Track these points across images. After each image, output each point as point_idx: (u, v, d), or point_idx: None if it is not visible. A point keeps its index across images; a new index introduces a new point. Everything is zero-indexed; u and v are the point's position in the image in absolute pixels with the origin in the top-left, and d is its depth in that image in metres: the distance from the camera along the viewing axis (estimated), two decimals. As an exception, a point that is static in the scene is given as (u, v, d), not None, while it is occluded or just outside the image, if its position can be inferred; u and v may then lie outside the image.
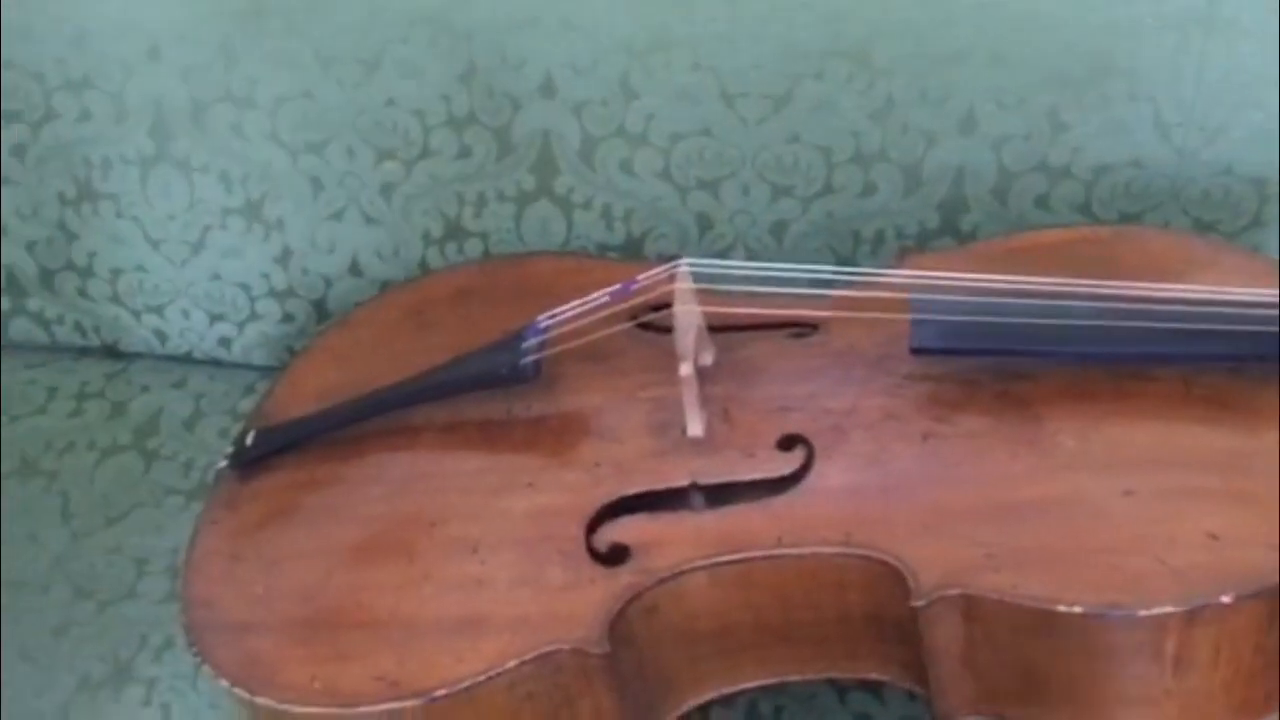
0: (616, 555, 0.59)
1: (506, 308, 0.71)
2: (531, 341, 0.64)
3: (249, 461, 0.68)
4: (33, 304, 0.89)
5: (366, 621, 0.59)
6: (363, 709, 0.56)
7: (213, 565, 0.64)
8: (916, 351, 0.60)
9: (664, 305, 0.67)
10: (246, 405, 0.85)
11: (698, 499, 0.60)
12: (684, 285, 0.63)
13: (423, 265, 0.83)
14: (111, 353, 0.90)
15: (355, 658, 0.58)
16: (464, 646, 0.57)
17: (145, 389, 0.87)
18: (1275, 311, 0.57)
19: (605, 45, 0.76)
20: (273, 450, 0.68)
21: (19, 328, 0.90)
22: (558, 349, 0.65)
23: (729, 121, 0.77)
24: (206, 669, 0.60)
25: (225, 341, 0.88)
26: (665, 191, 0.79)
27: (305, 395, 0.72)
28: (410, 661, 0.57)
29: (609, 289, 0.64)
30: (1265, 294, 0.58)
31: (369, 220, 0.83)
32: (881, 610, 0.57)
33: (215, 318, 0.87)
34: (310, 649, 0.59)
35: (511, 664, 0.56)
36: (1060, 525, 0.54)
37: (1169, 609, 0.50)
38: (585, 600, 0.57)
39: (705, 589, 0.58)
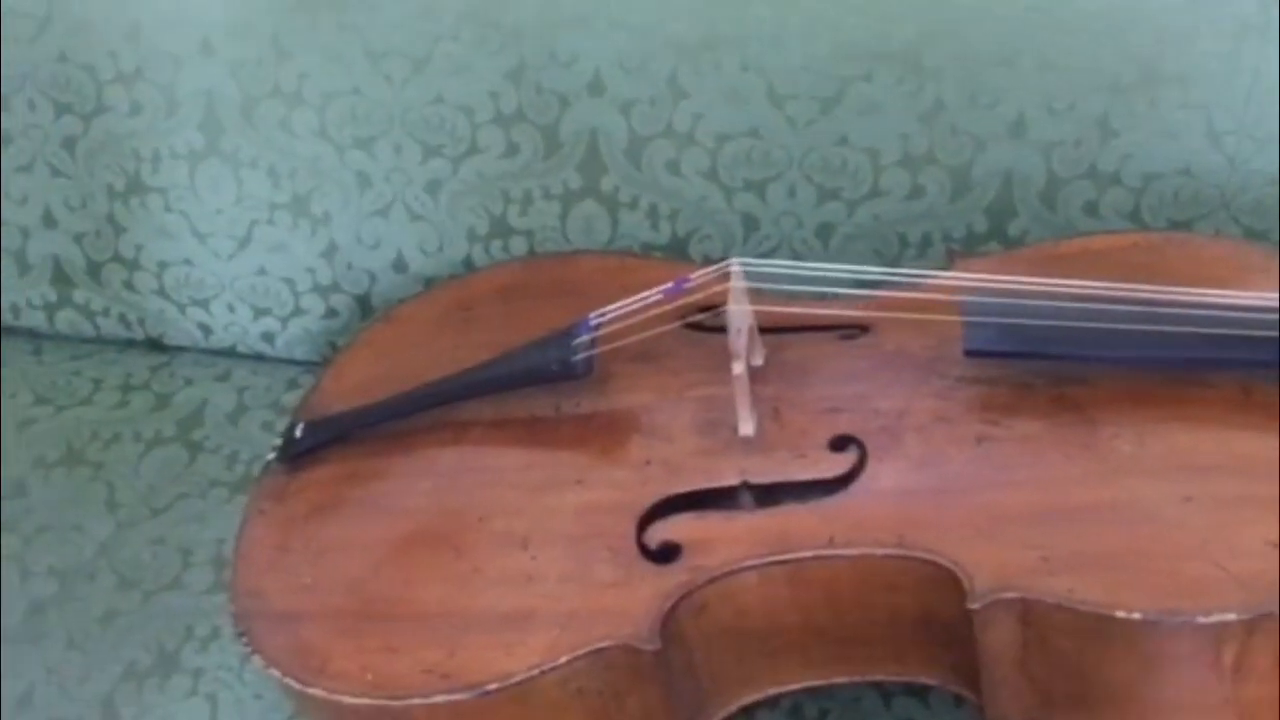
0: (667, 553, 0.59)
1: (552, 305, 0.71)
2: (583, 338, 0.65)
3: (297, 454, 0.69)
4: (79, 296, 0.90)
5: (416, 614, 0.59)
6: (414, 701, 0.56)
7: (261, 556, 0.64)
8: (970, 354, 0.60)
9: (712, 306, 0.67)
10: (289, 399, 0.86)
11: (748, 498, 0.61)
12: (738, 284, 0.63)
13: (467, 262, 0.83)
14: (155, 346, 0.91)
15: (405, 650, 0.58)
16: (514, 641, 0.57)
17: (189, 382, 0.87)
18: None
19: (654, 44, 0.77)
20: (322, 443, 0.68)
21: (65, 319, 0.91)
22: (608, 347, 0.66)
23: (777, 122, 0.77)
24: (257, 659, 0.60)
25: (268, 336, 0.89)
26: (711, 192, 0.79)
27: (351, 389, 0.72)
28: (460, 654, 0.57)
29: (662, 287, 0.64)
30: (1322, 302, 0.58)
31: (414, 216, 0.83)
32: (932, 613, 0.57)
33: (260, 312, 0.88)
34: (360, 640, 0.59)
35: (563, 659, 0.56)
36: (1118, 530, 0.54)
37: (1230, 616, 0.50)
38: (636, 597, 0.57)
39: (755, 588, 0.58)
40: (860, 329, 0.66)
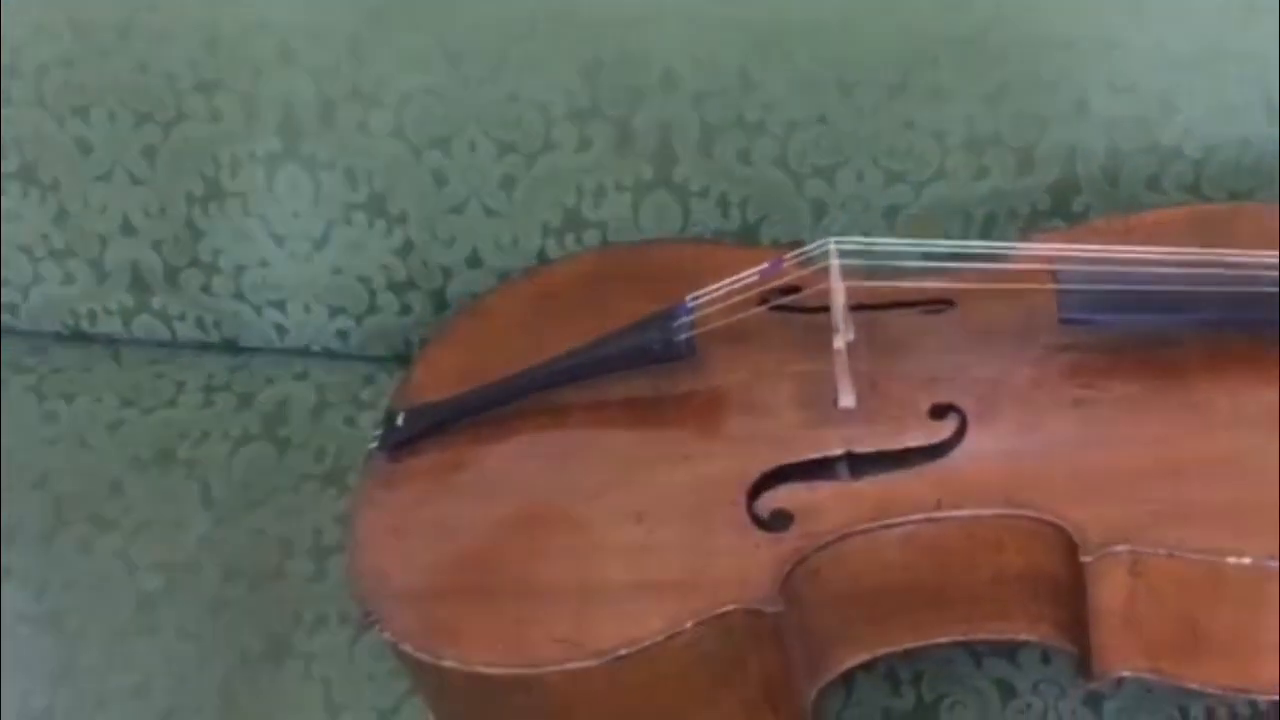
0: (780, 521, 0.61)
1: (634, 292, 0.73)
2: (683, 320, 0.67)
3: (401, 442, 0.70)
4: (156, 301, 0.92)
5: (541, 587, 0.62)
6: (548, 669, 0.58)
7: (379, 540, 0.66)
8: (1067, 321, 0.62)
9: (795, 289, 0.69)
10: (368, 395, 0.88)
11: (852, 467, 0.63)
12: (835, 262, 0.65)
13: (541, 255, 0.85)
14: (230, 347, 0.93)
15: (535, 621, 0.60)
16: (639, 609, 0.59)
17: (269, 381, 0.89)
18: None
19: (725, 37, 0.79)
20: (425, 429, 0.70)
21: (142, 324, 0.93)
22: (704, 329, 0.68)
23: (845, 109, 0.79)
24: (387, 636, 0.62)
25: (343, 334, 0.91)
26: (781, 179, 0.82)
27: (444, 380, 0.74)
28: (589, 624, 0.59)
29: (758, 268, 0.67)
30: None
31: (489, 212, 0.85)
32: (1039, 570, 0.59)
33: (335, 311, 0.90)
34: (489, 614, 0.61)
35: (689, 624, 0.58)
36: (1221, 482, 0.56)
37: (1337, 556, 0.53)
38: (754, 563, 0.60)
39: (865, 553, 0.60)
40: (946, 303, 0.68)
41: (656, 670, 0.59)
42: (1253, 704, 0.67)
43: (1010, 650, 0.71)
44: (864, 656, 0.64)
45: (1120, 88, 0.76)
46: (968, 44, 0.77)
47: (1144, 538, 0.55)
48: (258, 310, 0.91)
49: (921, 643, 0.63)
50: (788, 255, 0.67)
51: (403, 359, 0.89)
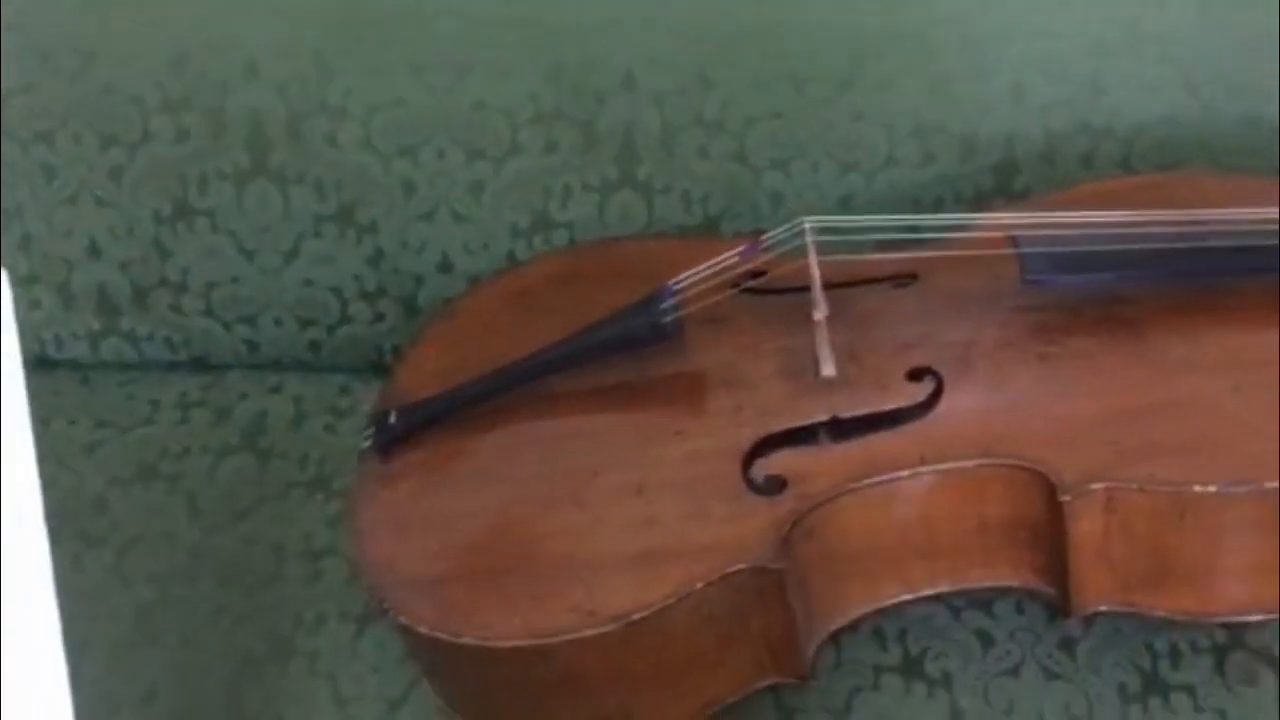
0: (774, 486, 0.65)
1: (607, 287, 0.76)
2: (668, 303, 0.70)
3: (395, 439, 0.72)
4: (124, 323, 0.92)
5: (550, 563, 0.64)
6: (565, 638, 0.61)
7: (383, 533, 0.68)
8: (1029, 282, 0.67)
9: (762, 272, 0.73)
10: (345, 403, 0.89)
11: (838, 432, 0.66)
12: (811, 239, 0.69)
13: (511, 258, 0.88)
14: (199, 366, 0.93)
15: (548, 595, 0.63)
16: (648, 576, 0.62)
17: (244, 395, 0.90)
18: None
19: (683, 40, 0.83)
20: (418, 425, 0.72)
21: (110, 348, 0.93)
22: (687, 311, 0.71)
23: (798, 104, 0.84)
24: (403, 620, 0.64)
25: (314, 345, 0.92)
26: (740, 173, 0.85)
27: (429, 379, 0.76)
28: (600, 593, 0.62)
29: (737, 249, 0.70)
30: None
31: (458, 218, 0.87)
32: (1019, 516, 0.64)
33: (306, 323, 0.91)
34: (500, 592, 0.63)
35: (699, 586, 0.61)
36: (1182, 421, 0.61)
37: (1291, 482, 0.57)
38: (754, 526, 0.63)
39: (856, 510, 0.64)
40: (913, 276, 0.72)
41: (667, 634, 0.62)
42: (1212, 638, 0.72)
43: (986, 602, 0.75)
44: (860, 611, 0.67)
45: (1052, 74, 0.82)
46: (911, 39, 0.82)
47: (1116, 475, 0.60)
48: (227, 327, 0.92)
49: (912, 595, 0.67)
50: (765, 237, 0.71)
51: (376, 368, 0.91)
